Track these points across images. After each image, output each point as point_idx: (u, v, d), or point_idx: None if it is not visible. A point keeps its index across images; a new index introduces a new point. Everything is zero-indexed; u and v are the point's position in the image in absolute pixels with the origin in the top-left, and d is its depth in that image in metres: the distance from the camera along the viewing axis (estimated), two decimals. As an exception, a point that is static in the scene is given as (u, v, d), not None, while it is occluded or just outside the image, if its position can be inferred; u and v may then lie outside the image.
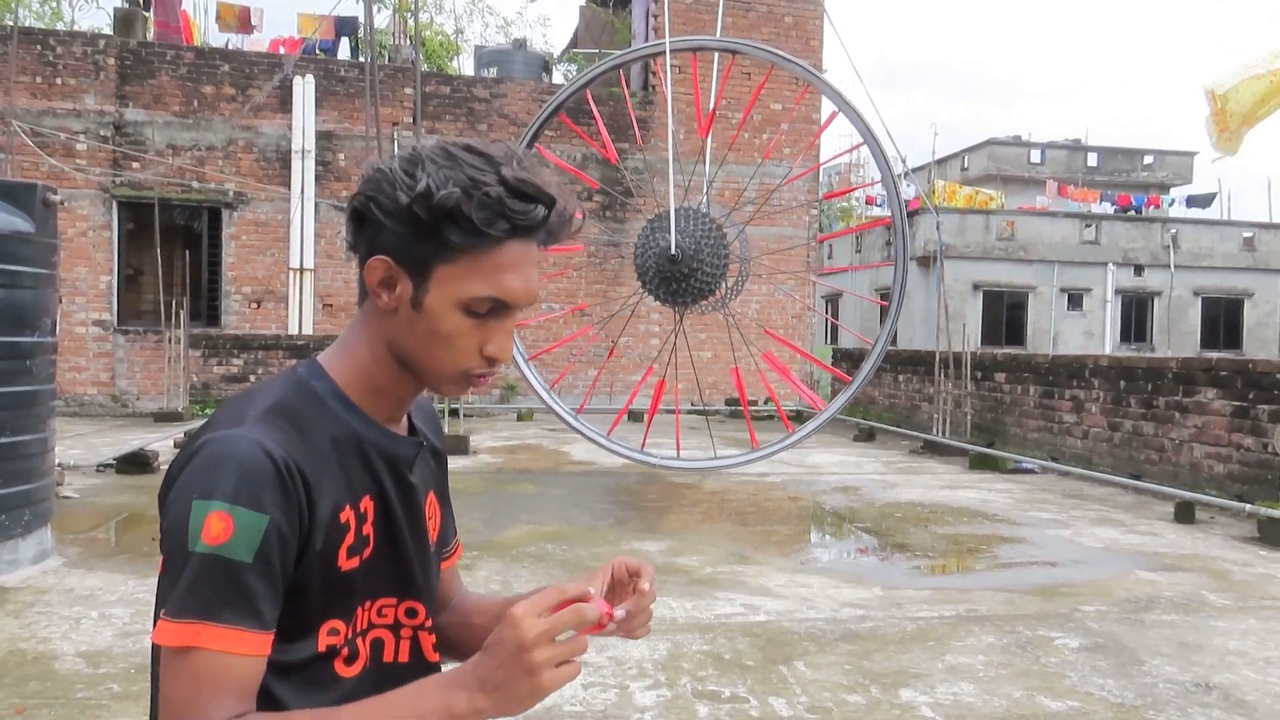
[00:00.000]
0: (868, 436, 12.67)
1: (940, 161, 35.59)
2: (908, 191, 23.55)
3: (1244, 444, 7.98)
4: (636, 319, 14.79)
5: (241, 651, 0.86)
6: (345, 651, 1.00)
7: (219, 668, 0.86)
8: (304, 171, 13.98)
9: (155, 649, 0.93)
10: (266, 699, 0.92)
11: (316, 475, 0.94)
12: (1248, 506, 7.06)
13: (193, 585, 0.86)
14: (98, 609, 4.41)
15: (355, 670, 1.01)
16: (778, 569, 5.49)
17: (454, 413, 10.74)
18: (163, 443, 9.70)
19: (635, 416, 11.09)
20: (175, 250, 13.60)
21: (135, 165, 13.43)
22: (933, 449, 11.25)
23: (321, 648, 0.97)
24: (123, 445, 9.11)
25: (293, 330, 13.99)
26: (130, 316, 13.83)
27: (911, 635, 4.31)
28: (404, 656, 1.06)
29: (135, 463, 8.34)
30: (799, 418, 12.63)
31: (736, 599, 4.82)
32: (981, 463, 10.03)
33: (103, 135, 13.39)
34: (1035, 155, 35.33)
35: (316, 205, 14.11)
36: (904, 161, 20.30)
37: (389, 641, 1.05)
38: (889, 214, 1.39)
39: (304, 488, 0.92)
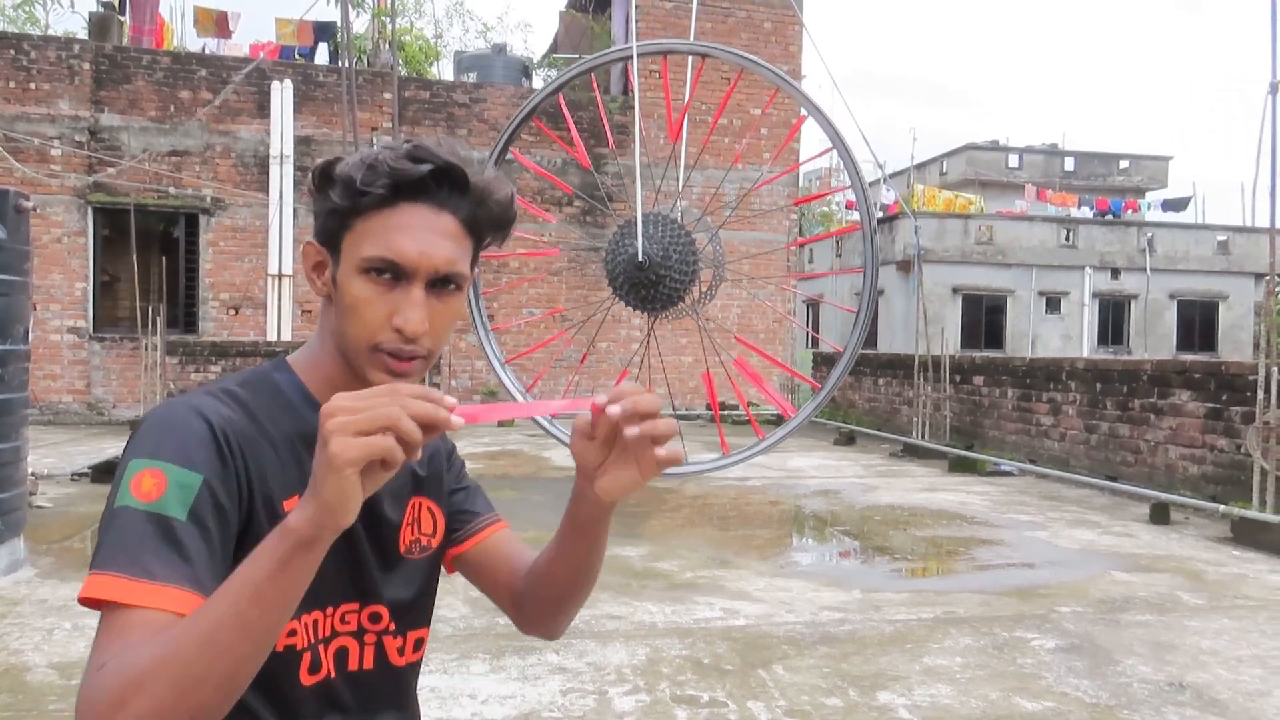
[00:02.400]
0: (848, 440, 12.72)
1: (919, 166, 35.82)
2: (887, 196, 23.70)
3: (1218, 445, 8.07)
4: (617, 324, 14.79)
5: (178, 610, 0.80)
6: (308, 658, 0.99)
7: (144, 622, 0.79)
8: (282, 177, 13.91)
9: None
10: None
11: (256, 455, 0.92)
12: (1221, 507, 7.14)
13: (124, 540, 0.82)
14: (71, 620, 4.36)
15: (319, 678, 1.01)
16: (757, 573, 5.50)
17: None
18: (139, 451, 9.60)
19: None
20: (152, 256, 13.49)
21: (111, 171, 13.32)
22: (912, 452, 11.31)
23: (279, 647, 0.94)
24: (98, 454, 9.02)
25: (271, 337, 13.89)
26: (106, 324, 13.70)
27: (890, 638, 4.33)
28: (369, 663, 1.05)
29: (110, 471, 8.25)
30: (779, 423, 12.67)
31: (716, 603, 4.83)
32: (960, 465, 10.10)
33: (78, 140, 13.28)
34: (1013, 160, 35.64)
35: (295, 210, 14.04)
36: (882, 167, 20.38)
37: (353, 649, 1.04)
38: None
39: (242, 458, 0.91)
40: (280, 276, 13.96)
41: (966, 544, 6.50)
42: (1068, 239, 24.51)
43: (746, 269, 14.13)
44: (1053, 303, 24.28)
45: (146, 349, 12.43)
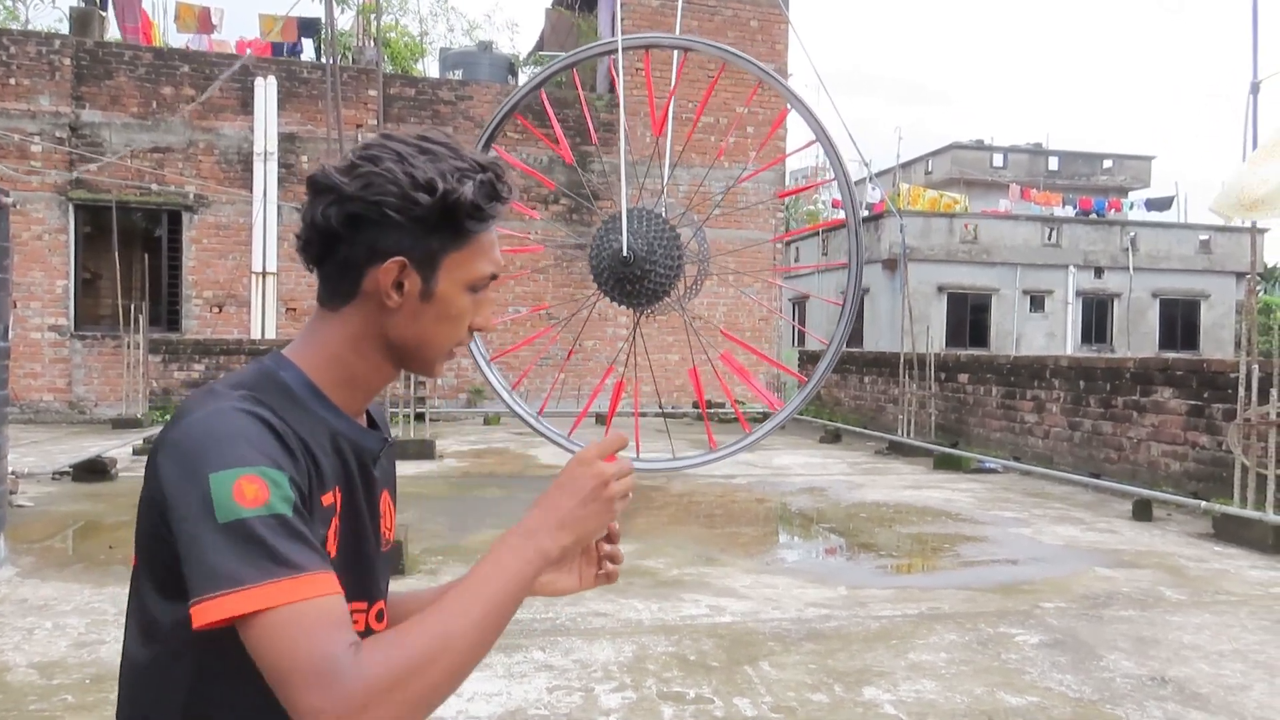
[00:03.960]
0: (834, 438, 12.76)
1: (905, 165, 35.94)
2: (873, 195, 23.78)
3: (1199, 442, 8.14)
4: (603, 321, 14.79)
5: (330, 591, 0.83)
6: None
7: (322, 610, 0.82)
8: (266, 174, 13.83)
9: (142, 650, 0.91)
10: (242, 695, 0.90)
11: (300, 450, 0.93)
12: (1203, 504, 7.20)
13: (257, 547, 0.82)
14: (52, 619, 4.32)
15: None
16: (744, 570, 5.51)
17: (420, 417, 10.66)
18: (121, 449, 9.53)
19: (601, 419, 11.08)
20: (134, 254, 13.39)
21: (92, 167, 13.20)
22: (898, 449, 11.36)
23: None
24: (80, 452, 8.95)
25: (255, 335, 13.82)
26: (87, 321, 13.59)
27: (875, 634, 4.35)
28: None
29: (92, 470, 8.19)
30: (764, 420, 12.69)
31: (702, 600, 4.83)
32: (945, 463, 10.14)
33: (58, 137, 13.16)
34: (998, 159, 35.81)
35: (279, 208, 13.96)
36: (868, 165, 20.49)
37: None
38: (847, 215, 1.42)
39: (304, 450, 0.92)
40: (264, 274, 13.88)
41: (951, 541, 6.53)
42: (1051, 238, 24.66)
43: (732, 266, 14.15)
44: (1037, 301, 24.43)
45: (129, 347, 12.34)
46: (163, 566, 0.89)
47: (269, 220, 13.85)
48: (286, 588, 0.82)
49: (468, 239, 0.99)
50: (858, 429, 13.39)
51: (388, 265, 0.96)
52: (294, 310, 14.17)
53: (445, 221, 0.96)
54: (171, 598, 0.89)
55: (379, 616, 1.04)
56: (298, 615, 0.81)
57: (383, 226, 0.95)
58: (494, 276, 1.03)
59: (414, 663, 0.81)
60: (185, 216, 13.74)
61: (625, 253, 1.32)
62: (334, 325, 1.00)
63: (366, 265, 0.96)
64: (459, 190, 0.96)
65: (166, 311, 13.79)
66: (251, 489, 0.84)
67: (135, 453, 9.81)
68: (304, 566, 0.83)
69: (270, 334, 13.86)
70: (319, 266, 0.99)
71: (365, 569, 1.02)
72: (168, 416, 9.42)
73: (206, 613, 0.81)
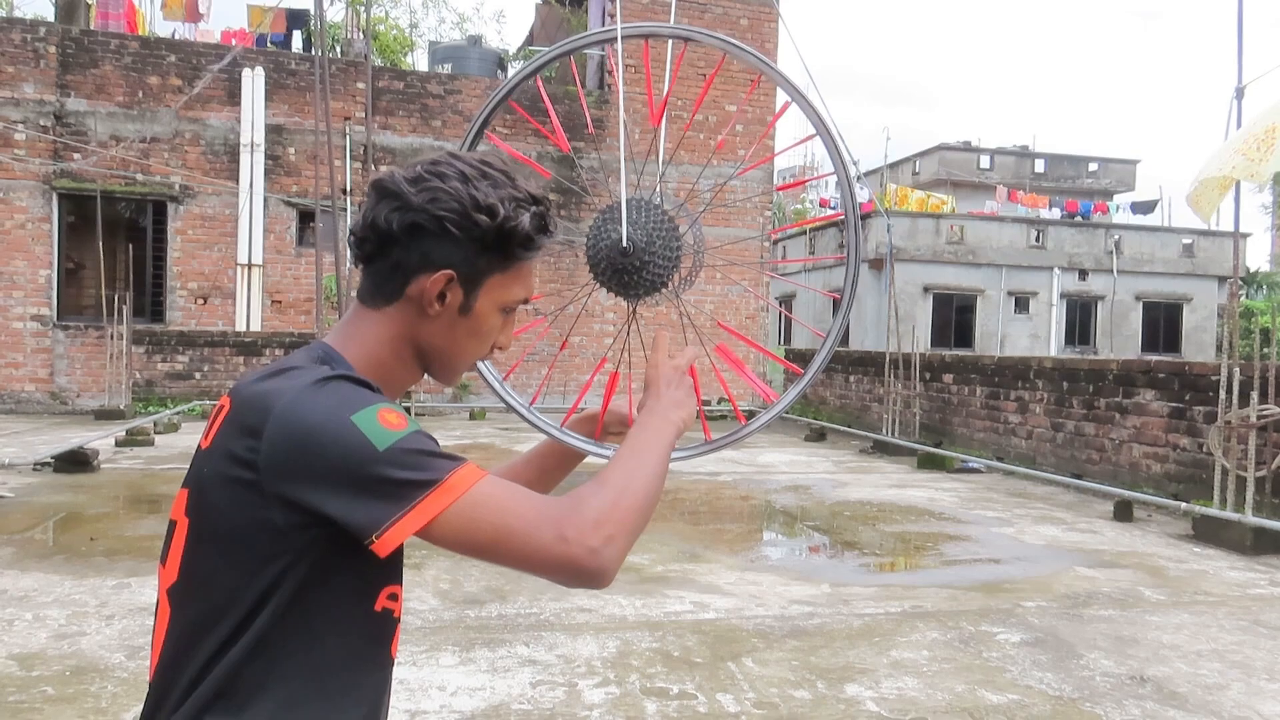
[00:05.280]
0: (819, 436, 12.80)
1: (892, 166, 36.09)
2: (861, 194, 23.85)
3: (1180, 444, 8.21)
4: (590, 317, 14.78)
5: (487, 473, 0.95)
6: (398, 633, 1.05)
7: (508, 481, 0.95)
8: (253, 165, 13.74)
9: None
10: (306, 657, 0.95)
11: None
12: (1183, 505, 7.26)
13: (426, 454, 0.92)
14: (32, 610, 4.29)
15: (395, 657, 1.06)
16: (728, 567, 5.52)
17: (405, 411, 10.60)
18: (103, 441, 9.46)
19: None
20: (118, 244, 13.28)
21: (76, 156, 13.09)
22: (882, 449, 11.40)
23: (378, 607, 1.01)
24: (61, 443, 8.87)
25: (240, 327, 13.74)
26: (70, 312, 13.48)
27: (858, 631, 4.37)
28: (395, 652, 1.09)
29: (74, 461, 8.12)
30: (751, 415, 12.71)
31: (686, 597, 4.84)
32: (929, 462, 10.19)
33: (43, 125, 13.04)
34: (985, 161, 35.97)
35: (265, 200, 13.88)
36: (856, 164, 20.55)
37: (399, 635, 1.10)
38: (841, 211, 1.42)
39: None
40: (250, 266, 13.80)
41: (934, 539, 6.56)
42: (1037, 240, 24.81)
43: (721, 262, 14.17)
44: (1021, 302, 24.57)
45: (112, 338, 12.25)
46: (250, 543, 0.93)
47: (255, 212, 13.76)
48: (473, 470, 0.93)
49: (513, 264, 1.06)
50: (843, 428, 13.44)
51: (437, 276, 1.02)
52: (279, 303, 14.09)
53: (497, 245, 1.03)
54: (262, 568, 0.93)
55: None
56: (496, 485, 0.93)
57: (439, 239, 1.01)
58: (526, 300, 1.10)
59: (616, 487, 0.97)
60: (170, 207, 13.64)
61: (625, 243, 1.32)
62: (375, 324, 1.05)
63: (416, 272, 1.02)
64: (517, 220, 1.03)
65: (150, 302, 13.69)
66: (393, 416, 0.93)
67: (118, 444, 9.74)
68: (463, 459, 0.94)
69: (255, 326, 13.78)
70: (369, 264, 1.05)
71: (402, 553, 1.06)
72: (151, 408, 9.30)
73: (408, 526, 0.89)
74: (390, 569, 1.01)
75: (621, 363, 1.41)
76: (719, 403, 13.63)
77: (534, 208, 1.05)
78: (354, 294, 1.08)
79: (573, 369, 14.69)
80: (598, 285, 1.43)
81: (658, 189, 1.46)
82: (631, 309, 1.47)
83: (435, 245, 1.01)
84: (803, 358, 16.09)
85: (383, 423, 0.91)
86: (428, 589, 4.78)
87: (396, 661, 1.11)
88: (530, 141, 13.94)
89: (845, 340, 21.91)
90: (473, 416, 13.71)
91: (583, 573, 0.91)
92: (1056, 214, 27.58)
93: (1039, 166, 36.64)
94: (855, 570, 5.68)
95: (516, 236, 1.04)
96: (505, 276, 1.06)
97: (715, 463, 9.42)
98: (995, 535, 6.70)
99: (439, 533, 0.90)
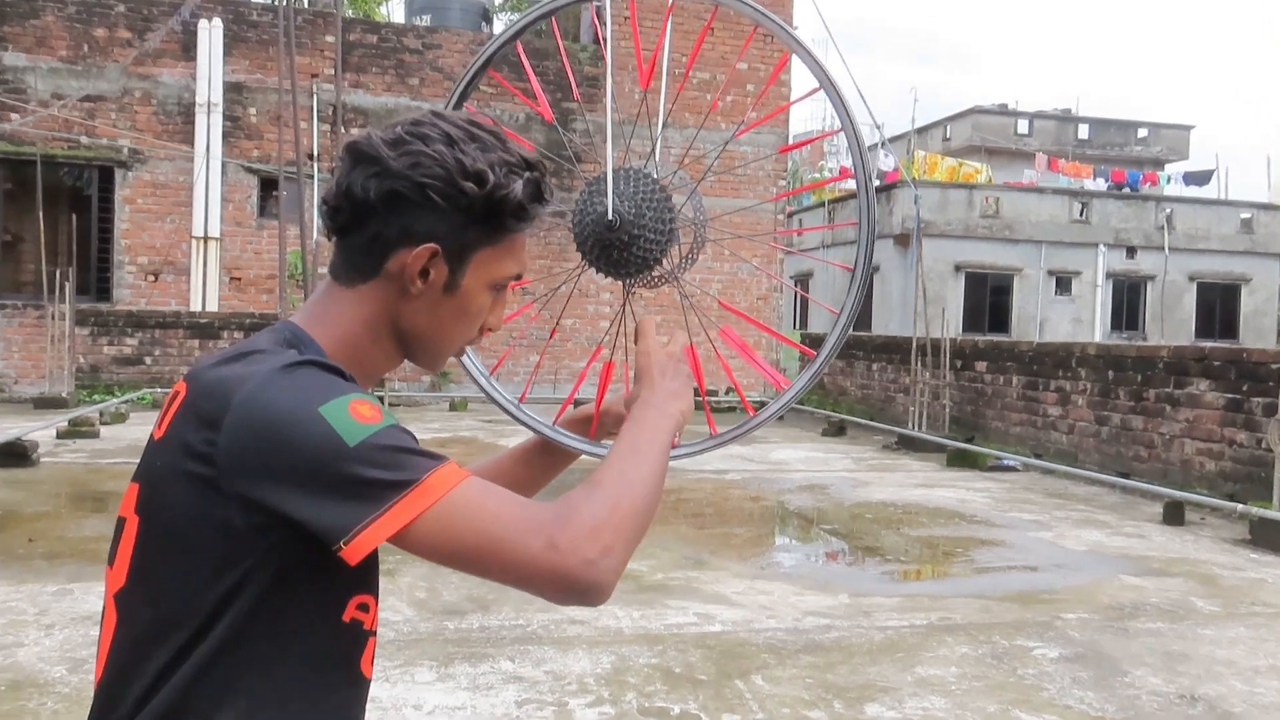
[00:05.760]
0: (837, 430, 12.81)
1: (920, 130, 36.00)
2: (885, 162, 23.79)
3: (1237, 439, 8.21)
4: (584, 298, 14.77)
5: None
6: (370, 646, 1.04)
7: (490, 484, 0.94)
8: (209, 127, 13.70)
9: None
10: (266, 681, 0.95)
11: None
12: (1239, 507, 7.27)
13: (397, 457, 0.90)
14: (-36, 620, 4.29)
15: (368, 674, 1.06)
16: (736, 575, 5.53)
17: (379, 402, 10.61)
18: (43, 432, 9.45)
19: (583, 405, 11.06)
20: (60, 214, 13.25)
21: (14, 117, 13.04)
22: (908, 444, 11.42)
23: (346, 618, 1.00)
24: (-3, 435, 8.86)
25: (195, 307, 13.73)
26: (7, 289, 13.46)
27: (880, 646, 4.37)
28: (371, 670, 1.09)
29: (11, 454, 8.12)
30: (760, 406, 12.71)
31: (689, 607, 4.85)
32: (960, 459, 10.21)
33: (-25, 81, 12.98)
34: (1023, 125, 35.91)
35: (224, 166, 13.84)
36: (880, 129, 20.50)
37: (374, 650, 1.09)
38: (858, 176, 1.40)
39: None
40: (206, 239, 13.77)
41: (965, 545, 6.57)
42: (1081, 214, 24.77)
43: (729, 236, 14.15)
44: (1063, 283, 24.55)
45: (53, 318, 12.22)
46: (206, 546, 0.93)
47: (212, 179, 13.72)
48: (454, 470, 0.92)
49: (504, 237, 1.05)
50: (864, 421, 13.45)
51: (419, 250, 1.01)
52: (238, 280, 14.08)
53: (486, 215, 1.02)
54: (219, 573, 0.93)
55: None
56: (479, 487, 0.92)
57: (422, 209, 1.00)
58: (518, 277, 1.10)
59: (612, 492, 0.95)
60: (118, 173, 13.60)
61: (610, 216, 1.31)
62: (349, 303, 1.04)
63: (396, 246, 1.01)
64: (509, 187, 1.02)
65: (96, 279, 13.67)
66: (366, 408, 0.92)
67: (59, 436, 9.74)
68: (448, 459, 0.93)
69: (211, 306, 13.77)
70: (342, 237, 1.04)
71: (377, 562, 1.06)
72: (96, 396, 9.28)
73: (380, 531, 0.88)
74: (361, 576, 1.00)
75: (617, 349, 1.39)
76: (727, 393, 13.64)
77: (527, 173, 1.04)
78: (324, 270, 1.08)
79: (564, 354, 14.69)
80: (587, 266, 1.42)
81: (655, 156, 1.45)
82: (628, 289, 1.45)
83: (417, 216, 1.00)
84: (819, 343, 16.08)
85: (354, 415, 0.90)
86: (402, 597, 4.79)
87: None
88: (517, 103, 13.88)
89: (868, 324, 21.93)
90: (453, 407, 13.71)
91: (576, 587, 0.91)
92: (1102, 185, 27.56)
93: (1083, 132, 36.58)
94: (877, 579, 5.68)
95: (508, 206, 1.03)
96: (495, 250, 1.05)
97: (722, 459, 9.43)
98: (1032, 540, 6.71)
99: (415, 539, 0.89)
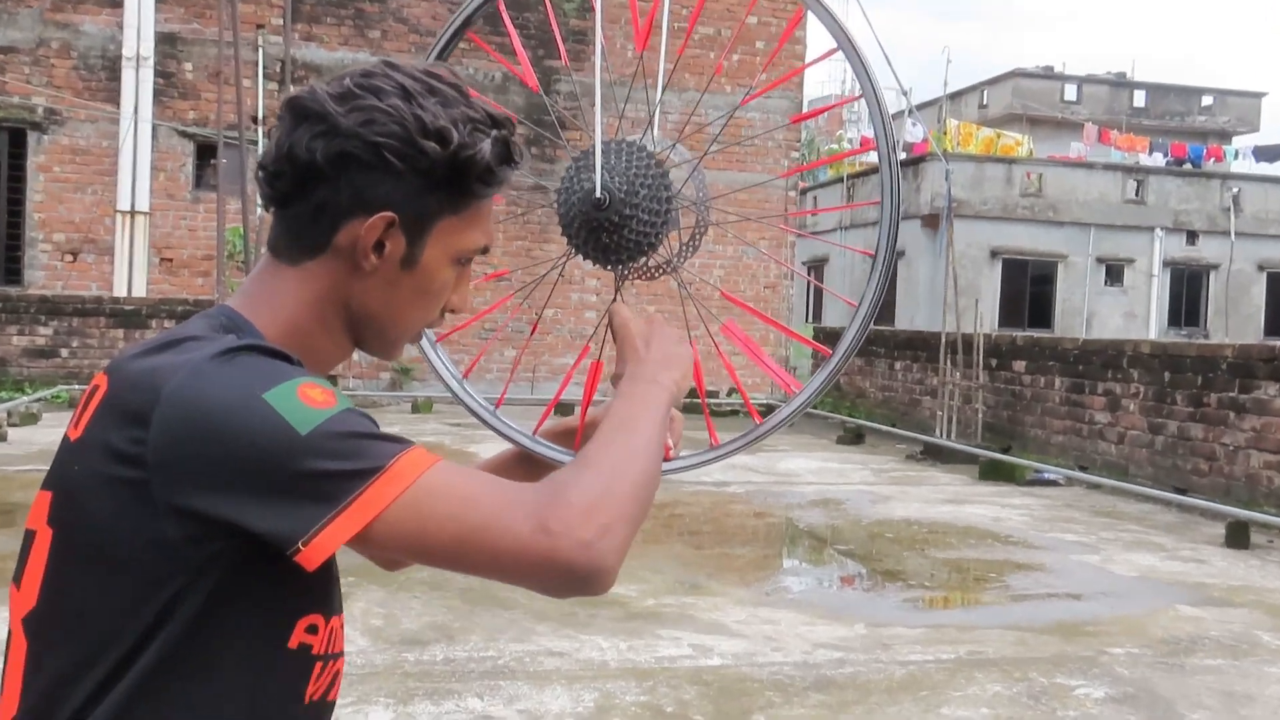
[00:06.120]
0: (855, 438, 12.84)
1: (953, 96, 36.03)
2: (913, 132, 23.82)
3: (1311, 452, 8.24)
4: (568, 285, 14.76)
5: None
6: (317, 670, 1.02)
7: (464, 467, 0.95)
8: (138, 84, 13.65)
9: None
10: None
11: None
12: (1313, 528, 7.30)
13: (358, 443, 0.90)
14: None
15: (319, 701, 1.04)
16: (737, 601, 5.54)
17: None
18: (-56, 434, 9.42)
19: (568, 410, 11.08)
20: (-36, 183, 13.19)
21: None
22: (935, 454, 11.45)
23: (293, 643, 0.99)
24: (-110, 437, 8.84)
25: (120, 291, 13.68)
26: (-97, 269, 13.39)
27: (900, 683, 4.39)
28: (335, 694, 1.09)
29: (-93, 460, 8.09)
30: (769, 412, 12.72)
31: (684, 638, 4.86)
32: (994, 472, 10.24)
33: None
34: (1070, 91, 35.98)
35: (155, 129, 13.79)
36: (907, 94, 20.50)
37: (341, 675, 1.09)
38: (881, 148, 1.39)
39: None
40: (133, 214, 13.73)
41: (999, 569, 6.59)
42: (1135, 193, 24.84)
43: (734, 217, 14.16)
44: (1114, 272, 24.63)
45: (-44, 303, 12.18)
46: (133, 561, 0.91)
47: (140, 145, 13.68)
48: (422, 454, 0.92)
49: (468, 204, 1.05)
50: (885, 427, 13.47)
51: (374, 220, 1.00)
52: (169, 261, 14.04)
53: (449, 180, 1.02)
54: (146, 594, 0.91)
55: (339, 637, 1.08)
56: (454, 470, 0.92)
57: (376, 172, 1.00)
58: (485, 250, 1.11)
59: (605, 468, 0.96)
60: (31, 137, 13.54)
61: (599, 194, 1.31)
62: (292, 282, 1.04)
63: (347, 216, 1.01)
64: (475, 147, 1.02)
65: (4, 259, 13.61)
66: (317, 392, 0.92)
67: (-37, 439, 9.70)
68: (414, 443, 0.93)
69: (139, 291, 13.72)
70: (284, 207, 1.03)
71: (333, 577, 1.04)
72: (3, 394, 9.24)
73: (342, 528, 0.87)
74: (310, 592, 0.99)
75: (607, 345, 1.38)
76: (729, 394, 13.66)
77: (495, 131, 1.04)
78: (265, 247, 1.07)
79: (544, 349, 14.69)
80: (573, 251, 1.42)
81: (653, 126, 1.45)
82: (619, 278, 1.45)
83: (371, 180, 1.00)
84: (835, 338, 16.08)
85: (304, 400, 0.90)
86: (356, 625, 4.78)
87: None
88: (494, 62, 13.86)
89: (891, 317, 21.98)
90: (416, 409, 13.70)
91: (575, 573, 0.90)
92: (1160, 160, 27.62)
93: (1138, 100, 36.67)
94: (898, 606, 5.70)
95: (474, 168, 1.03)
96: (459, 219, 1.05)
97: (723, 470, 9.43)
98: (1076, 564, 6.74)
99: (385, 534, 0.89)
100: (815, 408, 13.57)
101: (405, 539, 0.90)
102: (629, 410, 1.07)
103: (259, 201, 13.17)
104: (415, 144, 0.99)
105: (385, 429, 0.93)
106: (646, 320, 1.23)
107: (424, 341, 1.34)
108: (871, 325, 1.41)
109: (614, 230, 1.34)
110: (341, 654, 1.08)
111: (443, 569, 0.95)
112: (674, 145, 1.47)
